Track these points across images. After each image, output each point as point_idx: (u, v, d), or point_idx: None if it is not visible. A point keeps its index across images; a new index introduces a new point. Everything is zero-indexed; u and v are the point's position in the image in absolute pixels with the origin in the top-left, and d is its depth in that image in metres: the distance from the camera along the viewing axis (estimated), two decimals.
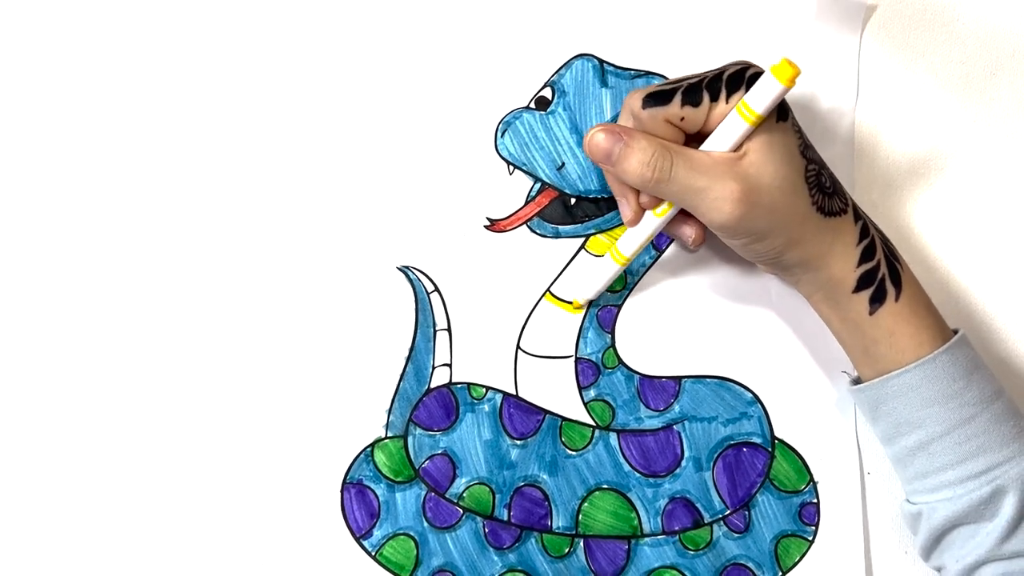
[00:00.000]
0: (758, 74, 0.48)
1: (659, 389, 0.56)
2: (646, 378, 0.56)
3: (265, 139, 0.56)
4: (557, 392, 0.55)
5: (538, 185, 0.56)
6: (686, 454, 0.55)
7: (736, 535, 0.55)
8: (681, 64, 0.56)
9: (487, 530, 0.54)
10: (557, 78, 0.56)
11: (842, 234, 0.49)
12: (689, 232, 0.52)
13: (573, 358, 0.56)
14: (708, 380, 0.56)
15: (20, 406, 0.54)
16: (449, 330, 0.55)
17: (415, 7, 0.56)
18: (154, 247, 0.55)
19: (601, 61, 0.56)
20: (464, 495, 0.55)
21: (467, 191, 0.56)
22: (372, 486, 0.55)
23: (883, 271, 0.49)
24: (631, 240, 0.52)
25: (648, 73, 0.56)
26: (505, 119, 0.56)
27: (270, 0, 0.56)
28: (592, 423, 0.55)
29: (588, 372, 0.56)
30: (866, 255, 0.49)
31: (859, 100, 0.57)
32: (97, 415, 0.54)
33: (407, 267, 0.56)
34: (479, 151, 0.56)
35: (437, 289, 0.55)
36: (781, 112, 0.48)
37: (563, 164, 0.55)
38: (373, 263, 0.55)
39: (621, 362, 0.56)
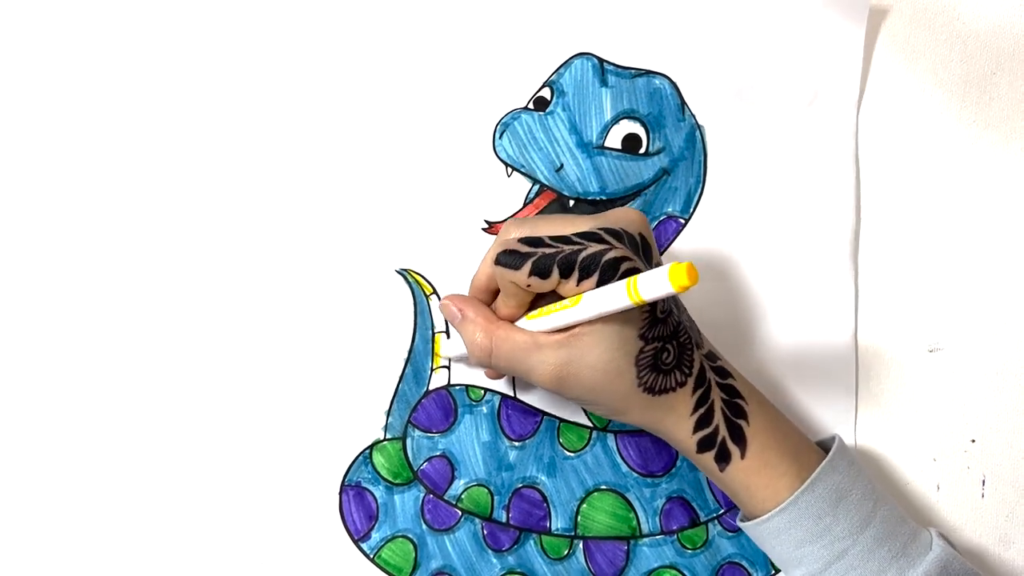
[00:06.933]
0: (610, 265, 0.44)
1: None
2: None
3: (263, 141, 0.55)
4: (555, 393, 0.55)
5: (536, 187, 0.55)
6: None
7: (730, 534, 0.55)
8: (682, 62, 0.55)
9: (486, 532, 0.55)
10: (556, 77, 0.55)
11: (673, 409, 0.48)
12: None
13: None
14: None
15: (15, 407, 0.54)
16: (448, 332, 0.55)
17: (413, 7, 0.55)
18: (153, 250, 0.55)
19: (601, 60, 0.55)
20: (463, 497, 0.55)
21: (465, 193, 0.55)
22: (371, 488, 0.54)
23: (723, 434, 0.48)
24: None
25: (649, 72, 0.56)
26: (503, 120, 0.55)
27: (269, 1, 0.55)
28: (589, 424, 0.55)
29: None
30: (701, 423, 0.48)
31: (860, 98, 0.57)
32: (96, 417, 0.54)
33: (405, 270, 0.55)
34: (477, 153, 0.55)
35: (436, 291, 0.55)
36: None
37: (562, 165, 0.55)
38: (372, 266, 0.55)
39: None
